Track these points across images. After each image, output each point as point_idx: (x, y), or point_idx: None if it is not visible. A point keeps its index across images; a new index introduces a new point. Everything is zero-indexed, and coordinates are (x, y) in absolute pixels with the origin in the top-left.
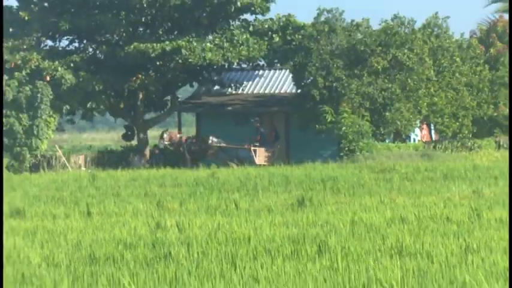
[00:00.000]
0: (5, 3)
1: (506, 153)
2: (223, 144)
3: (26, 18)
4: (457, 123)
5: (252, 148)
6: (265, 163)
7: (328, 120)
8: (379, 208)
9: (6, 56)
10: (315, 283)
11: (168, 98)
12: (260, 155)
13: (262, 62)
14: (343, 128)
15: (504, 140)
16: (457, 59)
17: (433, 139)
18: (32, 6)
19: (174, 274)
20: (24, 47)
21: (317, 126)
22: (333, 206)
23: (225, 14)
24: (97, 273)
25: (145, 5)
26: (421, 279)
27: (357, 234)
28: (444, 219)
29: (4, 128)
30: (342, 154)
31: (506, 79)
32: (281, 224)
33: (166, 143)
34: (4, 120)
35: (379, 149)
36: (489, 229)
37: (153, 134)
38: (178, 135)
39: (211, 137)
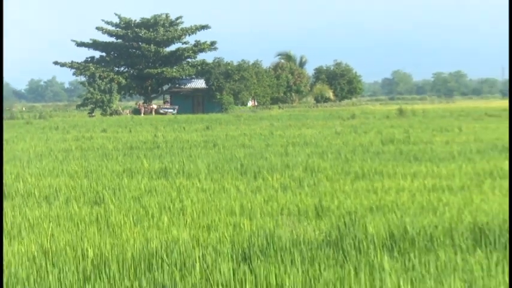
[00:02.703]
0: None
1: (283, 111)
2: (159, 107)
3: (108, 59)
4: (264, 99)
5: (177, 108)
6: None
7: (218, 97)
8: (236, 130)
9: (102, 73)
10: (213, 156)
11: (159, 89)
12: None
13: (194, 77)
14: (223, 100)
15: (282, 106)
16: (264, 76)
17: (256, 105)
18: (111, 55)
19: (160, 154)
20: (108, 70)
21: (214, 100)
22: (219, 129)
23: (181, 59)
24: (132, 153)
25: (152, 55)
26: (233, 160)
27: (228, 140)
28: (259, 134)
29: (100, 100)
30: (223, 110)
31: (284, 83)
32: (200, 136)
33: (136, 107)
34: (100, 96)
35: (236, 109)
36: (276, 138)
37: (154, 102)
38: (141, 104)
39: (149, 105)
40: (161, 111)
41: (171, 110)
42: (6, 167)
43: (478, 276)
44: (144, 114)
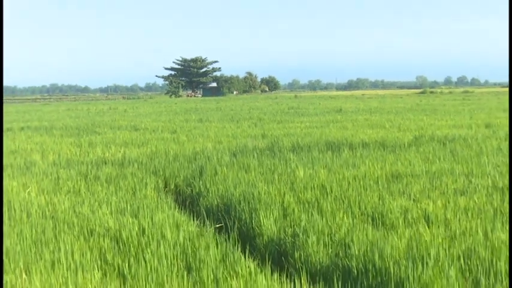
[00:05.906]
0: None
1: (247, 96)
2: (195, 94)
3: (177, 75)
4: (240, 91)
5: (201, 94)
6: (200, 96)
7: (222, 90)
8: (228, 103)
9: (174, 80)
10: (220, 114)
11: (198, 86)
12: (198, 95)
13: (212, 82)
14: (224, 91)
15: (247, 94)
16: (240, 81)
17: (237, 93)
18: (178, 73)
19: (199, 113)
20: (177, 79)
21: (220, 91)
22: (222, 103)
23: (207, 75)
24: (187, 112)
25: (195, 73)
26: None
27: (226, 107)
28: (238, 105)
29: (174, 91)
30: (224, 95)
31: (248, 84)
32: (214, 105)
33: (186, 94)
34: (174, 89)
35: (229, 95)
36: (245, 107)
37: (194, 92)
38: (189, 93)
39: (192, 93)
40: (195, 95)
41: (199, 95)
42: (137, 119)
43: (313, 159)
44: (189, 97)
